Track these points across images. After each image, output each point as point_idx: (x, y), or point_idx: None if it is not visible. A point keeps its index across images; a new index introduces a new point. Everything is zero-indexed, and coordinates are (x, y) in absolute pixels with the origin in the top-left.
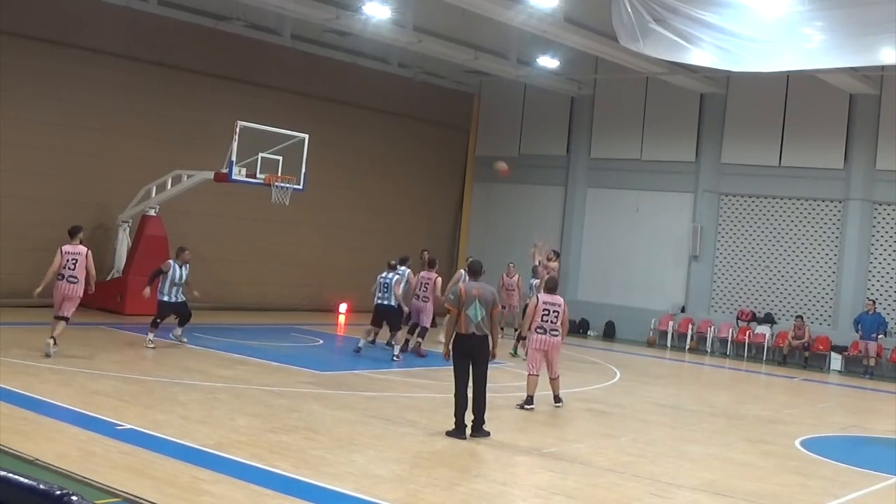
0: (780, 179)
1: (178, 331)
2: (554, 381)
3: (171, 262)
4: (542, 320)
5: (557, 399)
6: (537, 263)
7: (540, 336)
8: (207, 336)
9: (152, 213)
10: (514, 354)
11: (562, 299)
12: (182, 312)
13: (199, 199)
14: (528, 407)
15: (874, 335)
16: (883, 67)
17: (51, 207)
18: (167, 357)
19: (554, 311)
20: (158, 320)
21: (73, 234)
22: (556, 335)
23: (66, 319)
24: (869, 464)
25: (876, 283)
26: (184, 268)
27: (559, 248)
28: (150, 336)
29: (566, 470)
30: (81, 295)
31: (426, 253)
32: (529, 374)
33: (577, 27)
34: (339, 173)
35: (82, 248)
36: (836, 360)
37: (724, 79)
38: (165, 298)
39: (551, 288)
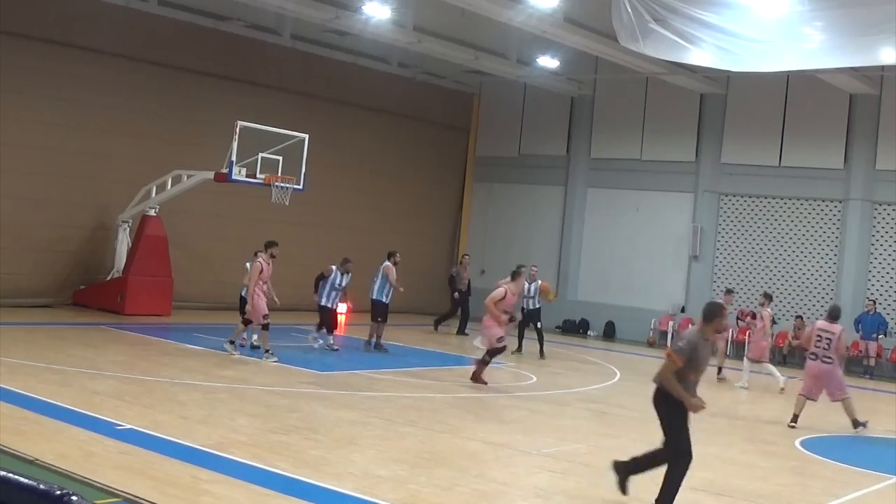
0: (780, 179)
1: (328, 337)
2: (844, 403)
3: (333, 267)
4: (815, 346)
5: (855, 424)
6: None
7: (811, 362)
8: (208, 336)
9: (152, 213)
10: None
11: (839, 328)
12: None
13: (199, 199)
14: (791, 425)
15: (874, 335)
16: (883, 67)
17: (51, 207)
18: (167, 357)
19: (827, 339)
20: (323, 326)
21: (265, 247)
22: (828, 363)
23: (245, 323)
24: (869, 464)
25: (876, 283)
26: (346, 276)
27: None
28: (315, 334)
29: (566, 470)
30: (252, 303)
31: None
32: (798, 394)
33: (577, 27)
34: (340, 173)
35: (255, 259)
36: None
37: (724, 79)
38: (323, 302)
39: (832, 316)
